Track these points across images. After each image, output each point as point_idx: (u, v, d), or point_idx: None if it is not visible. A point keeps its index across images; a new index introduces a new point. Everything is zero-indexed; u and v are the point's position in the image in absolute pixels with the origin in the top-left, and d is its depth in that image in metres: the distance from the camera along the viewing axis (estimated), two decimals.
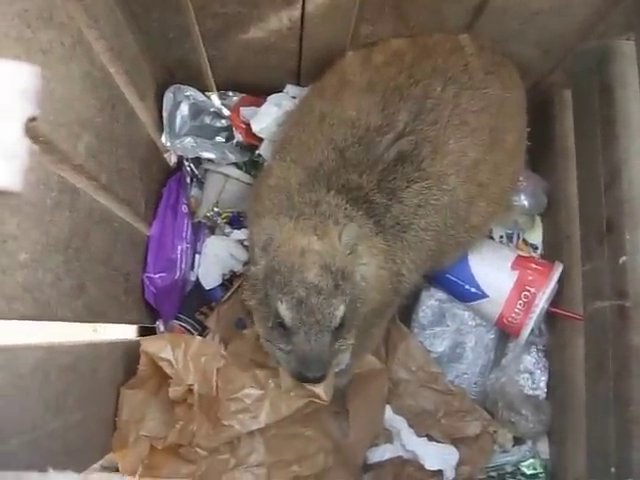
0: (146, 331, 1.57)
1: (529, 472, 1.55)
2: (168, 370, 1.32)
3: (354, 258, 1.15)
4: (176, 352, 1.33)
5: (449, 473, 1.47)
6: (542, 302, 1.47)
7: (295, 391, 1.29)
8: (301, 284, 1.09)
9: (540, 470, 1.55)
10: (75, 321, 1.11)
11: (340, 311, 1.10)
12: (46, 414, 1.00)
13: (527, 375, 1.60)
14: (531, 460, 1.56)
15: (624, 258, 1.27)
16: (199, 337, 1.44)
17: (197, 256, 1.65)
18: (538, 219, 1.71)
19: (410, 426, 1.52)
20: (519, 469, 1.56)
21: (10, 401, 0.90)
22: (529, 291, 1.47)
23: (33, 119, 0.81)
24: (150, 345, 1.34)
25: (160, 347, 1.33)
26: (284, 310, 1.09)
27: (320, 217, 1.17)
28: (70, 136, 1.03)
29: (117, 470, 1.29)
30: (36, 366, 0.97)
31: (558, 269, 1.50)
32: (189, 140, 1.60)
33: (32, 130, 0.87)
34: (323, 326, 1.09)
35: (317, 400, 1.28)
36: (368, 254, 1.18)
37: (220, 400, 1.31)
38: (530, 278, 1.49)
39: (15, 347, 0.93)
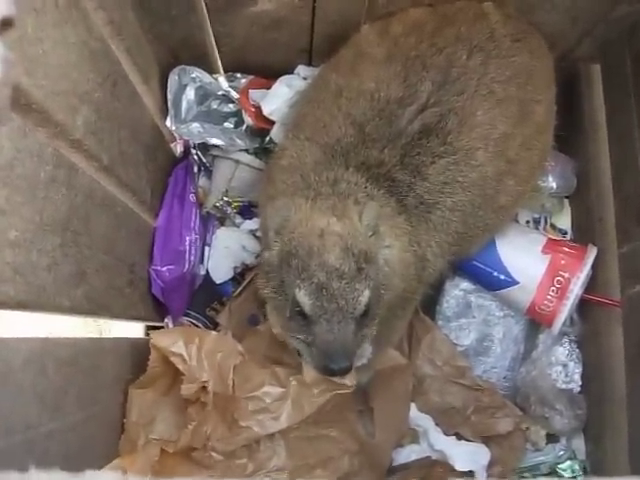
0: (154, 329, 1.48)
1: (568, 475, 1.47)
2: (180, 366, 1.24)
3: (377, 240, 1.07)
4: (189, 347, 1.25)
5: (480, 474, 1.40)
6: (577, 288, 1.39)
7: (321, 384, 1.21)
8: (321, 268, 1.00)
9: (579, 473, 1.47)
10: (75, 312, 1.03)
11: (365, 297, 1.01)
12: (42, 413, 0.92)
13: (560, 367, 1.52)
14: (569, 462, 1.48)
15: None
16: (214, 332, 1.35)
17: (207, 248, 1.59)
18: (566, 202, 1.64)
19: (437, 424, 1.46)
20: (556, 471, 1.48)
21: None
22: (563, 276, 1.39)
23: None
24: (161, 339, 1.26)
25: (172, 341, 1.25)
26: (303, 297, 1.01)
27: (339, 196, 1.09)
28: (67, 107, 0.96)
29: None
30: (30, 358, 0.88)
31: (592, 252, 1.42)
32: (196, 125, 1.53)
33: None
34: (346, 313, 1.01)
35: (341, 390, 1.21)
36: (391, 235, 1.11)
37: (237, 399, 1.23)
38: (563, 262, 1.40)
39: (6, 337, 0.84)
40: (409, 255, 1.15)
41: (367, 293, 1.02)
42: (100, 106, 1.08)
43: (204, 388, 1.23)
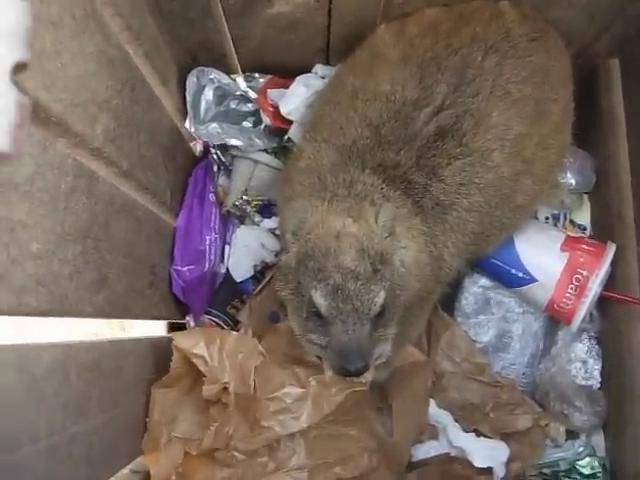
0: (175, 327, 1.50)
1: (587, 472, 1.46)
2: (202, 367, 1.26)
3: (392, 241, 1.07)
4: (211, 348, 1.26)
5: (499, 470, 1.40)
6: (596, 286, 1.38)
7: (338, 383, 1.23)
8: (337, 269, 1.01)
9: (598, 469, 1.46)
10: (96, 317, 1.05)
11: (380, 298, 1.02)
12: (65, 418, 0.93)
13: (579, 364, 1.51)
14: (588, 459, 1.47)
15: None
16: (235, 332, 1.36)
17: (227, 247, 1.60)
18: (586, 198, 1.62)
19: (456, 421, 1.46)
20: (575, 468, 1.47)
21: (22, 406, 0.83)
22: (581, 274, 1.38)
23: (22, 65, 0.73)
24: (183, 340, 1.28)
25: (194, 342, 1.27)
26: (319, 298, 1.02)
27: (355, 198, 1.10)
28: (86, 117, 0.96)
29: (148, 474, 1.22)
30: (53, 367, 0.90)
31: (611, 249, 1.41)
32: (214, 126, 1.53)
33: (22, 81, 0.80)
34: (362, 314, 1.02)
35: (357, 388, 1.23)
36: (407, 236, 1.11)
37: (258, 400, 1.25)
38: (582, 260, 1.39)
39: (28, 345, 0.86)
40: (425, 256, 1.14)
41: (383, 294, 1.03)
42: (119, 113, 1.09)
43: (225, 389, 1.25)
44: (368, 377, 1.22)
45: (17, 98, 0.62)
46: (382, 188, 1.12)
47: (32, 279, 0.83)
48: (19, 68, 0.62)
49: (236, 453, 1.24)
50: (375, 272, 1.02)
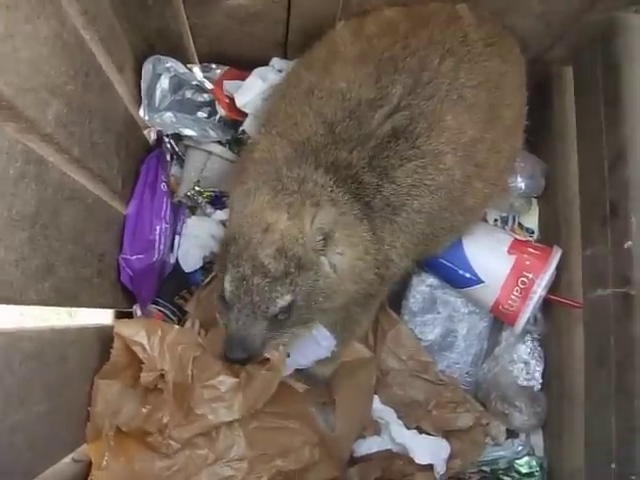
0: (122, 316, 1.48)
1: (524, 471, 1.50)
2: (140, 355, 1.26)
3: (327, 245, 1.08)
4: (152, 339, 1.26)
5: (440, 467, 1.42)
6: (540, 289, 1.40)
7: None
8: (250, 260, 1.05)
9: (536, 468, 1.50)
10: (42, 304, 1.03)
11: (284, 300, 1.05)
12: (7, 406, 0.93)
13: (521, 365, 1.54)
14: (526, 458, 1.51)
15: (629, 243, 1.21)
16: (177, 326, 1.35)
17: (177, 237, 1.58)
18: (534, 202, 1.65)
19: (399, 417, 1.48)
20: (514, 466, 1.51)
21: None
22: (527, 277, 1.41)
23: None
24: (124, 329, 1.27)
25: (135, 331, 1.27)
26: (226, 282, 1.07)
27: (302, 195, 1.10)
28: (38, 103, 0.95)
29: (90, 463, 1.21)
30: None
31: (557, 254, 1.43)
32: (169, 115, 1.51)
33: None
34: (258, 310, 1.06)
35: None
36: (345, 243, 1.10)
37: (194, 388, 1.25)
38: (528, 263, 1.42)
39: None
40: (363, 262, 1.14)
41: (288, 297, 1.05)
42: (72, 99, 1.07)
43: (162, 376, 1.25)
44: (304, 386, 1.29)
45: None
46: (332, 190, 1.12)
47: None
48: None
49: (172, 442, 1.23)
50: (286, 275, 1.04)
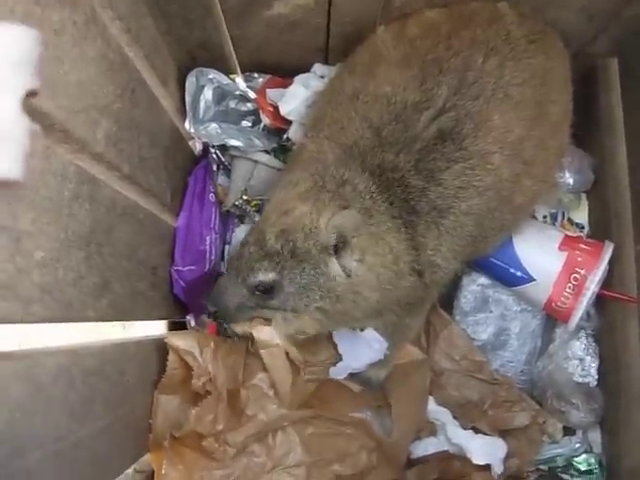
0: (176, 326, 1.50)
1: (583, 468, 1.48)
2: (191, 362, 1.28)
3: (343, 249, 1.08)
4: (204, 350, 1.29)
5: (497, 467, 1.41)
6: (593, 285, 1.38)
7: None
8: (257, 233, 1.11)
9: (595, 466, 1.48)
10: (99, 320, 1.05)
11: (265, 276, 1.09)
12: (71, 423, 0.94)
13: (576, 362, 1.52)
14: (584, 455, 1.49)
15: None
16: (230, 339, 1.38)
17: (227, 247, 1.59)
18: (584, 197, 1.63)
19: (455, 418, 1.47)
20: (572, 464, 1.49)
21: (30, 414, 0.84)
22: (579, 273, 1.39)
23: (33, 93, 0.73)
24: (177, 340, 1.29)
25: (187, 342, 1.29)
26: (236, 245, 1.18)
27: (335, 195, 1.11)
28: (88, 123, 0.97)
29: (152, 474, 1.24)
30: (59, 373, 0.91)
31: (609, 249, 1.41)
32: (214, 126, 1.53)
33: (32, 107, 0.79)
34: (240, 275, 1.11)
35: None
36: (368, 251, 1.10)
37: (240, 391, 1.29)
38: (579, 259, 1.40)
39: (34, 353, 0.87)
40: (389, 272, 1.13)
41: (271, 276, 1.08)
42: (120, 116, 1.09)
43: (211, 380, 1.27)
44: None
45: (29, 126, 0.63)
46: (371, 197, 1.12)
47: (37, 287, 0.84)
48: (30, 95, 0.62)
49: (228, 447, 1.25)
50: (277, 255, 1.08)
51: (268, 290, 1.10)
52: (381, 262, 1.11)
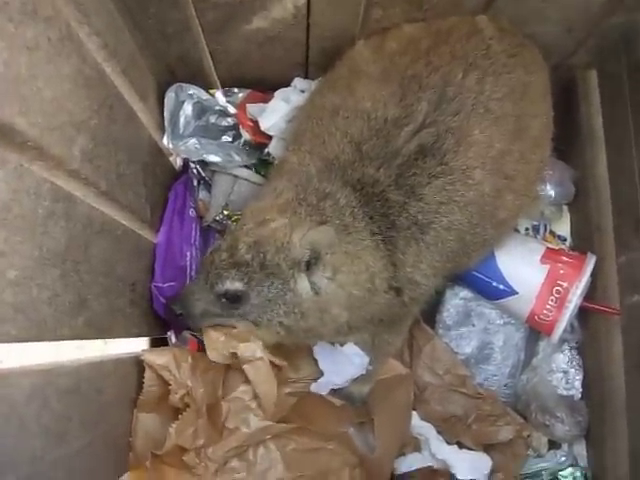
0: (158, 342, 1.48)
1: None
2: (167, 377, 1.26)
3: (314, 265, 1.07)
4: (182, 365, 1.26)
5: None
6: (576, 297, 1.38)
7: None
8: (231, 239, 1.11)
9: (580, 479, 1.47)
10: (76, 339, 1.03)
11: (232, 285, 1.08)
12: (47, 443, 0.92)
13: (560, 374, 1.52)
14: (570, 469, 1.49)
15: None
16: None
17: None
18: (565, 209, 1.63)
19: (439, 433, 1.46)
20: (558, 478, 1.49)
21: (3, 434, 0.82)
22: (561, 286, 1.39)
23: None
24: (153, 357, 1.27)
25: (164, 359, 1.27)
26: (210, 249, 1.17)
27: (314, 209, 1.10)
28: (63, 139, 0.95)
29: None
30: (33, 392, 0.89)
31: (591, 261, 1.41)
32: (193, 141, 1.52)
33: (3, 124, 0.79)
34: (207, 283, 1.11)
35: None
36: (341, 269, 1.09)
37: (221, 404, 1.26)
38: (562, 272, 1.40)
39: (6, 373, 0.85)
40: (362, 291, 1.12)
41: (238, 285, 1.08)
42: (97, 132, 1.07)
43: (189, 394, 1.25)
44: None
45: None
46: (350, 213, 1.11)
47: (10, 307, 0.82)
48: None
49: (209, 463, 1.22)
50: (246, 265, 1.07)
51: (234, 299, 1.10)
52: (354, 280, 1.10)
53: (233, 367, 1.28)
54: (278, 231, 1.07)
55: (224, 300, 1.11)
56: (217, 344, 1.23)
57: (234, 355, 1.23)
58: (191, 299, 1.13)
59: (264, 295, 1.08)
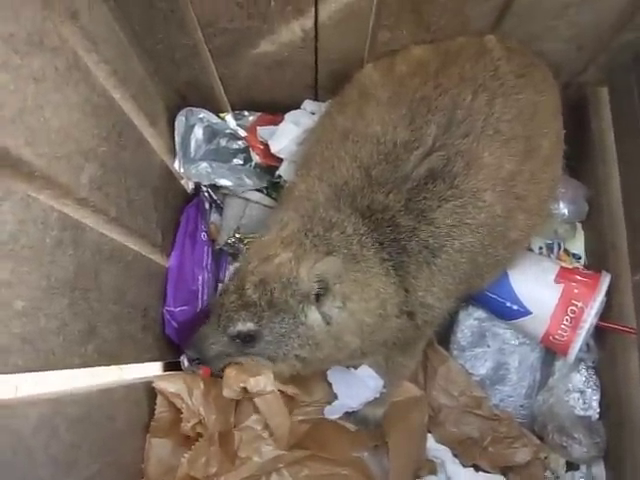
0: (170, 367, 1.48)
1: None
2: (179, 404, 1.26)
3: (324, 296, 1.06)
4: (194, 392, 1.27)
5: None
6: (591, 317, 1.36)
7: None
8: (238, 280, 1.10)
9: None
10: (85, 367, 1.03)
11: (244, 326, 1.08)
12: (55, 472, 0.92)
13: (577, 395, 1.49)
14: None
15: None
16: (220, 379, 1.35)
17: (219, 285, 1.58)
18: (579, 227, 1.62)
19: (455, 456, 1.45)
20: None
21: (10, 467, 0.82)
22: (576, 305, 1.37)
23: None
24: (164, 383, 1.28)
25: (175, 386, 1.28)
26: (219, 290, 1.17)
27: (321, 240, 1.09)
28: (71, 168, 0.96)
29: None
30: (41, 422, 0.89)
31: (606, 280, 1.39)
32: (204, 166, 1.53)
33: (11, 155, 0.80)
34: (221, 324, 1.10)
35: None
36: (352, 297, 1.08)
37: (232, 433, 1.27)
38: (576, 291, 1.38)
39: (14, 403, 0.85)
40: (375, 317, 1.11)
41: (250, 326, 1.07)
42: (105, 160, 1.08)
43: (201, 422, 1.26)
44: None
45: None
46: (359, 241, 1.10)
47: (17, 338, 0.82)
48: None
49: None
50: (254, 306, 1.06)
51: (248, 339, 1.09)
52: (365, 307, 1.09)
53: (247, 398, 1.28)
54: (282, 266, 1.05)
55: (238, 341, 1.10)
56: (229, 380, 1.24)
57: (244, 390, 1.23)
58: (206, 343, 1.13)
59: (277, 331, 1.07)
